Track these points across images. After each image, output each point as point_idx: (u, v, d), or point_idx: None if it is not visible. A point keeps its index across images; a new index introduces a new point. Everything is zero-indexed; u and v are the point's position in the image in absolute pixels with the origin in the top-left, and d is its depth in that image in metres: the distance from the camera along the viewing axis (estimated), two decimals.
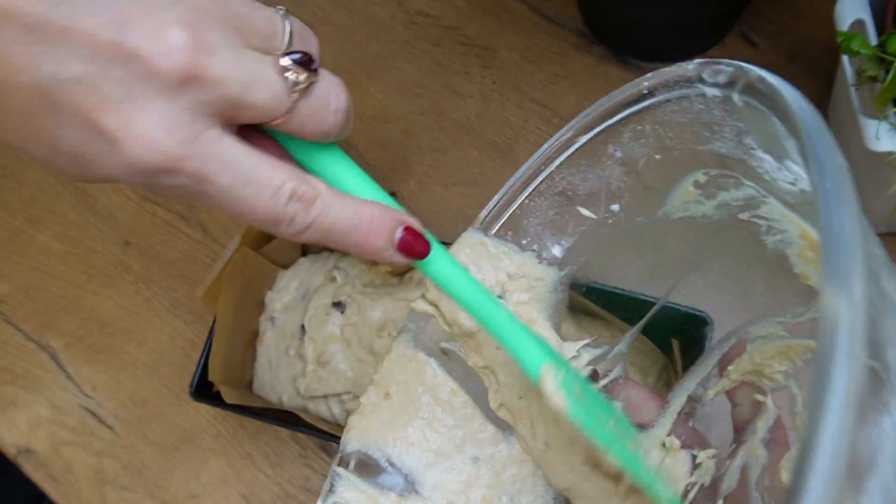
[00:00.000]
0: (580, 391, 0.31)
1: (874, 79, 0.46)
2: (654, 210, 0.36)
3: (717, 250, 0.38)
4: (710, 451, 0.35)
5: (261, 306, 0.57)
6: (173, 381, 0.60)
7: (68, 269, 0.64)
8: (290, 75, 0.25)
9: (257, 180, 0.26)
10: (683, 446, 0.35)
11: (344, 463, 0.37)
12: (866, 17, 0.48)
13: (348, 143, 0.65)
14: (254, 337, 0.56)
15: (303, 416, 0.50)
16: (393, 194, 0.63)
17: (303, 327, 0.54)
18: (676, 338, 0.49)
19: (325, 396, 0.53)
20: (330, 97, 0.27)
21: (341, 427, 0.52)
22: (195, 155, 0.24)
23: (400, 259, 0.29)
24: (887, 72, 0.45)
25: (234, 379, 0.54)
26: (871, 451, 0.20)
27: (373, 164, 0.64)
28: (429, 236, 0.30)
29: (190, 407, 0.59)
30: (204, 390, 0.51)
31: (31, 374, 0.61)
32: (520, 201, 0.37)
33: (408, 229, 0.29)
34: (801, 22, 0.64)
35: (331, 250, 0.58)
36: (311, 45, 0.27)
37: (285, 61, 0.25)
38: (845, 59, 0.48)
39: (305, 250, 0.59)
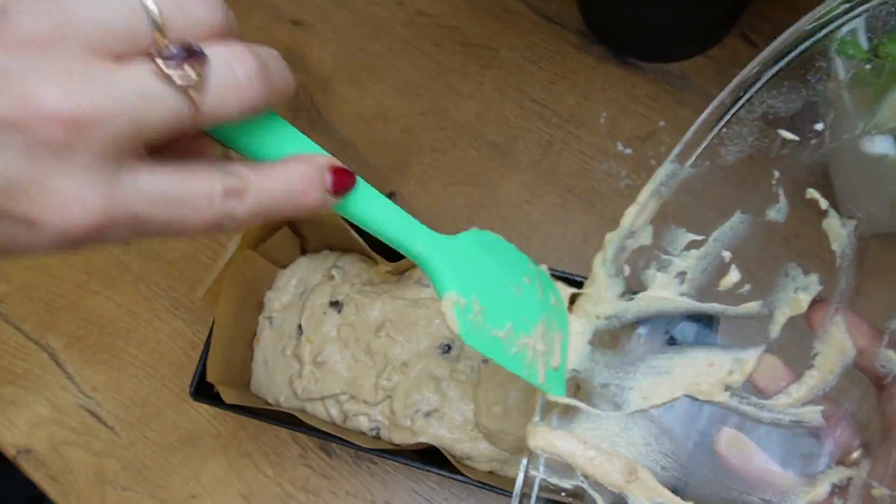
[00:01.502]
0: (479, 312, 0.35)
1: (867, 82, 0.46)
2: (860, 126, 0.37)
3: None
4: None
5: (261, 307, 0.57)
6: (173, 381, 0.60)
7: (68, 268, 0.64)
8: (177, 78, 0.23)
9: (189, 197, 0.24)
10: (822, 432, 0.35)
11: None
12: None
13: (349, 143, 0.65)
14: (253, 337, 0.56)
15: (301, 416, 0.50)
16: (392, 194, 0.64)
17: (300, 327, 0.54)
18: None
19: (323, 398, 0.53)
20: (233, 70, 0.24)
21: (340, 427, 0.52)
22: (119, 206, 0.23)
23: (334, 201, 0.29)
24: (880, 74, 0.45)
25: (234, 379, 0.54)
26: None
27: (373, 164, 0.64)
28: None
29: (190, 407, 0.59)
30: (204, 390, 0.51)
31: (31, 374, 0.61)
32: (717, 130, 0.38)
33: (333, 171, 0.29)
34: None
35: (331, 249, 0.58)
36: (189, 17, 0.24)
37: (161, 65, 0.23)
38: (838, 62, 0.48)
39: (304, 249, 0.59)
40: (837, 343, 0.36)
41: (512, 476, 0.50)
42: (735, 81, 0.38)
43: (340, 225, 0.52)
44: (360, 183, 0.32)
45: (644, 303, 0.40)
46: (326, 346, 0.53)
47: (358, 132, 0.66)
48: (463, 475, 0.47)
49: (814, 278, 0.39)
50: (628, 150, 0.62)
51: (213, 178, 0.25)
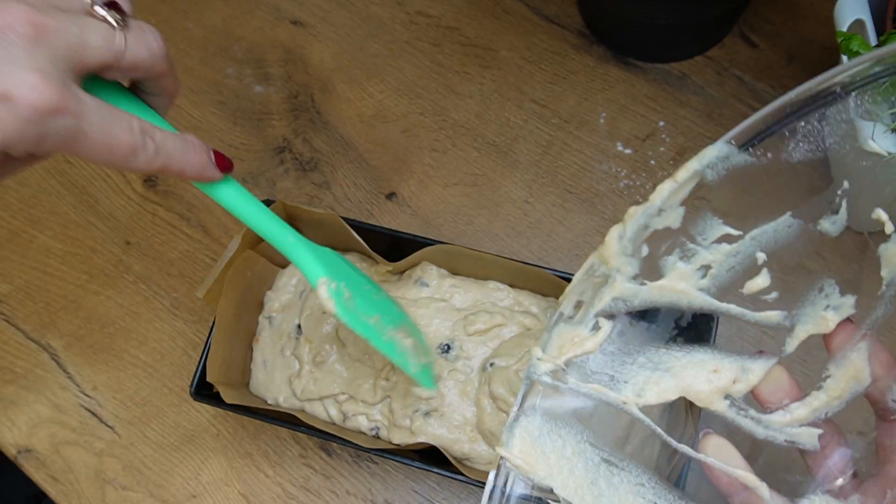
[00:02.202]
0: (350, 298, 0.41)
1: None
2: None
3: None
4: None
5: (261, 307, 0.57)
6: (174, 380, 0.60)
7: (69, 269, 0.64)
8: (108, 17, 0.31)
9: (118, 119, 0.32)
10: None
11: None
12: (866, 17, 0.48)
13: (349, 143, 0.65)
14: (254, 337, 0.56)
15: (301, 416, 0.50)
16: (393, 194, 0.64)
17: (299, 327, 0.54)
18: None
19: (322, 398, 0.53)
20: (144, 27, 0.33)
21: (340, 427, 0.52)
22: (71, 97, 0.29)
23: (218, 174, 0.37)
24: None
25: (234, 379, 0.54)
26: None
27: (373, 164, 0.64)
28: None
29: (190, 407, 0.59)
30: (204, 390, 0.51)
31: (32, 374, 0.61)
32: (794, 120, 0.34)
33: (215, 151, 0.37)
34: (800, 22, 0.64)
35: (330, 247, 0.58)
36: None
37: (98, 10, 0.31)
38: (844, 59, 0.48)
39: None
40: (854, 369, 0.34)
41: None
42: (839, 69, 0.33)
43: (340, 225, 0.52)
44: (234, 180, 0.38)
45: (657, 292, 0.37)
46: (325, 345, 0.53)
47: (358, 132, 0.66)
48: (463, 475, 0.47)
49: (850, 300, 0.36)
50: (628, 151, 0.62)
51: (132, 117, 0.33)
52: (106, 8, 0.31)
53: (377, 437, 0.52)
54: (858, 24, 0.48)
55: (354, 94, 0.67)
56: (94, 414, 0.60)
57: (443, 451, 0.48)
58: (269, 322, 0.56)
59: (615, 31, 0.64)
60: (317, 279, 0.40)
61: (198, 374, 0.51)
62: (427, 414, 0.51)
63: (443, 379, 0.51)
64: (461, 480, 0.48)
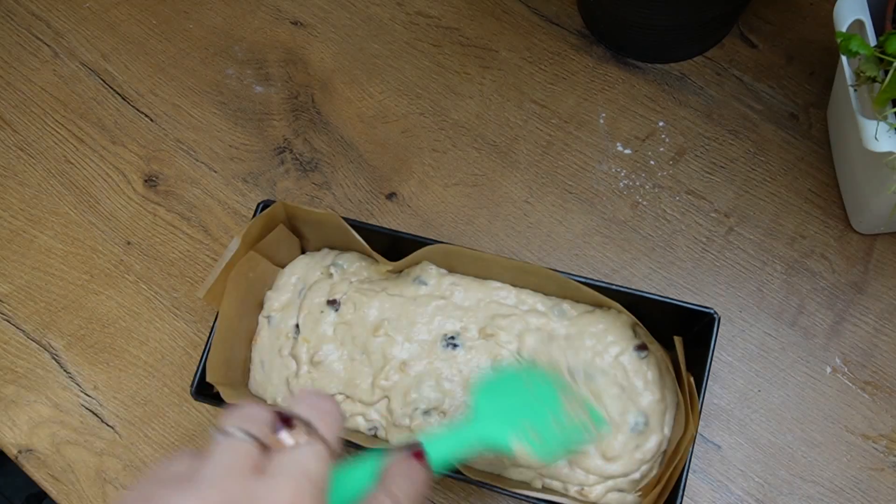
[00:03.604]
0: (534, 431, 0.42)
1: (873, 79, 0.46)
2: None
3: None
4: None
5: (262, 307, 0.57)
6: (174, 380, 0.60)
7: (70, 269, 0.64)
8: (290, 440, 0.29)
9: None
10: None
11: None
12: (865, 17, 0.48)
13: (349, 143, 0.65)
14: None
15: None
16: (393, 194, 0.64)
17: (297, 326, 0.54)
18: (680, 335, 0.49)
19: None
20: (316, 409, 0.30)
21: None
22: None
23: (426, 469, 0.33)
24: (886, 72, 0.45)
25: (235, 379, 0.54)
26: None
27: (373, 164, 0.64)
28: None
29: (191, 406, 0.59)
30: (205, 390, 0.51)
31: (33, 374, 0.61)
32: None
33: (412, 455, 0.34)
34: (800, 23, 0.64)
35: (330, 247, 0.58)
36: None
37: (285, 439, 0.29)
38: (844, 59, 0.48)
39: (304, 248, 0.59)
40: None
41: (511, 477, 0.50)
42: None
43: (341, 224, 0.52)
44: (428, 448, 0.35)
45: None
46: (323, 345, 0.53)
47: (358, 132, 0.66)
48: (463, 475, 0.47)
49: None
50: (628, 151, 0.63)
51: None
52: (288, 431, 0.28)
53: (375, 437, 0.52)
54: (858, 24, 0.48)
55: (355, 94, 0.67)
56: (94, 414, 0.60)
57: None
58: (268, 321, 0.56)
59: (615, 31, 0.64)
60: (510, 445, 0.40)
61: (198, 374, 0.51)
62: (427, 412, 0.51)
63: (445, 378, 0.51)
64: (461, 480, 0.48)
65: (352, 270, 0.56)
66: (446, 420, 0.51)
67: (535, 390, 0.46)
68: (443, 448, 0.37)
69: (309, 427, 0.28)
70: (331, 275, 0.56)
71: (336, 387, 0.52)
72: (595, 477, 0.49)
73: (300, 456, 0.28)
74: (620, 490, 0.49)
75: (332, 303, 0.54)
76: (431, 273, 0.54)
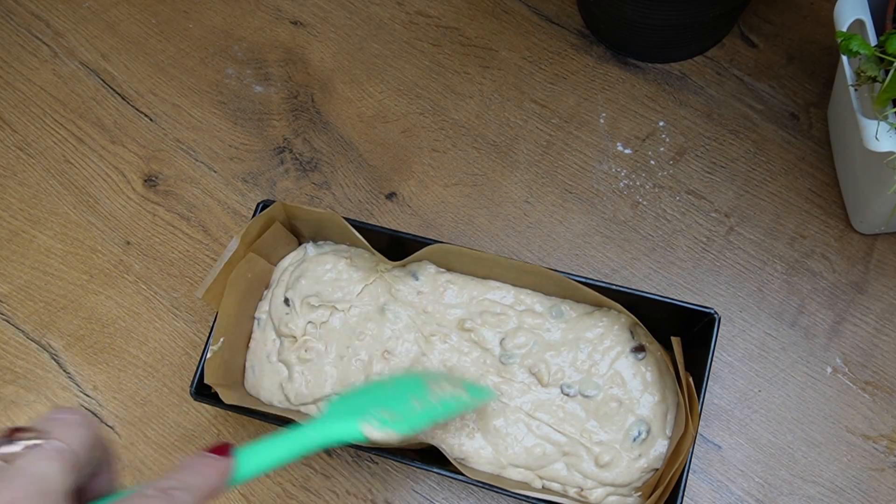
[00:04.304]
0: (389, 413, 0.44)
1: (873, 79, 0.46)
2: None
3: None
4: None
5: None
6: (174, 380, 0.60)
7: (69, 269, 0.64)
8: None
9: None
10: None
11: None
12: (865, 17, 0.48)
13: (349, 143, 0.65)
14: None
15: (297, 417, 0.50)
16: (393, 194, 0.64)
17: (287, 300, 0.55)
18: (680, 335, 0.49)
19: (315, 401, 0.53)
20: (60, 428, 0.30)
21: None
22: None
23: (227, 466, 0.34)
24: (886, 72, 0.45)
25: (234, 380, 0.54)
26: None
27: (373, 164, 0.64)
28: None
29: (190, 407, 0.59)
30: (204, 390, 0.51)
31: (32, 374, 0.61)
32: None
33: (207, 451, 0.34)
34: (800, 22, 0.64)
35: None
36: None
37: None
38: (844, 59, 0.48)
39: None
40: None
41: (511, 478, 0.50)
42: None
43: (341, 223, 0.52)
44: (238, 448, 0.36)
45: None
46: (308, 342, 0.53)
47: (358, 132, 0.66)
48: (463, 475, 0.47)
49: None
50: (628, 151, 0.62)
51: None
52: (13, 441, 0.28)
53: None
54: (858, 23, 0.48)
55: (354, 94, 0.67)
56: (94, 414, 0.60)
57: (442, 450, 0.48)
58: (258, 323, 0.56)
59: (615, 31, 0.64)
60: (361, 431, 0.41)
61: (198, 375, 0.51)
62: None
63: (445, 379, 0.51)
64: (461, 480, 0.48)
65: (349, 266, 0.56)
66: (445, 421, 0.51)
67: (398, 384, 0.48)
68: (266, 450, 0.39)
69: (40, 434, 0.29)
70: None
71: (331, 386, 0.52)
72: (592, 482, 0.49)
73: (24, 460, 0.28)
74: (621, 493, 0.49)
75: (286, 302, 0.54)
76: (428, 271, 0.54)
